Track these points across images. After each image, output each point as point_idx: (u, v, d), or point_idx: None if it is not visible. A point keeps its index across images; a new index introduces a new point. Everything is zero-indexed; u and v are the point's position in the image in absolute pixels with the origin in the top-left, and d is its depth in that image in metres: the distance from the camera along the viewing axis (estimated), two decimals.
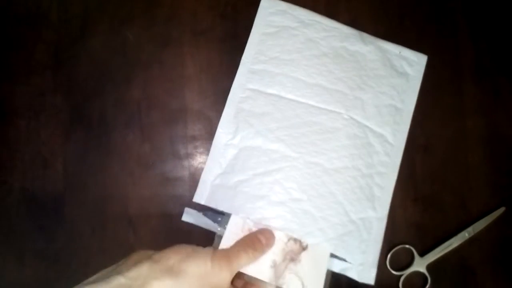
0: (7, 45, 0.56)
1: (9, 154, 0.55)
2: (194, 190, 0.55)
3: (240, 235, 0.48)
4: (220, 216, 0.51)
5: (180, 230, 0.54)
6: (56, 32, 0.56)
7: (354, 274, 0.51)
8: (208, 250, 0.39)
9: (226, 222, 0.50)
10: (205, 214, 0.52)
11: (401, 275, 0.54)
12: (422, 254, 0.54)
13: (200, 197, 0.53)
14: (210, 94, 0.56)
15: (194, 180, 0.55)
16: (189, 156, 0.55)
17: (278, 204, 0.51)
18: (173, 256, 0.37)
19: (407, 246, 0.54)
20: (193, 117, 0.56)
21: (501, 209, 0.55)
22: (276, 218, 0.50)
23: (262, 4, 0.56)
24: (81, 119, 0.55)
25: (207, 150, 0.55)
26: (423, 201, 0.55)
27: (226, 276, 0.38)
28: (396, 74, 0.55)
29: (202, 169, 0.55)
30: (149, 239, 0.54)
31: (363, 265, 0.52)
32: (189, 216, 0.52)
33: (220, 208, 0.51)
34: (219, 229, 0.51)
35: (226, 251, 0.41)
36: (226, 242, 0.47)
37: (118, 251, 0.54)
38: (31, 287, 0.54)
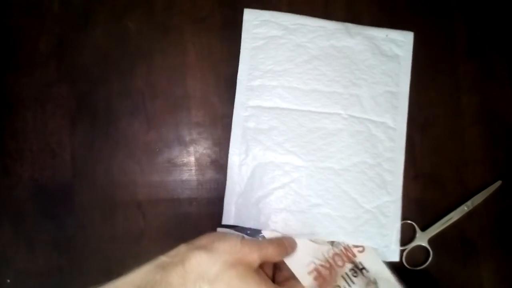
0: (11, 37, 0.56)
1: (17, 145, 0.55)
2: (200, 175, 0.56)
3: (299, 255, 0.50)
4: (249, 229, 0.54)
5: (189, 214, 0.56)
6: (59, 23, 0.56)
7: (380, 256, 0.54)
8: (239, 234, 0.43)
9: (256, 233, 0.53)
10: (236, 230, 0.54)
11: (404, 250, 0.56)
12: (423, 228, 0.56)
13: (227, 219, 0.54)
14: (212, 80, 0.57)
15: (200, 165, 0.56)
16: (194, 142, 0.56)
17: (299, 213, 0.54)
18: (205, 239, 0.41)
19: (409, 221, 0.56)
20: (196, 103, 0.57)
21: (498, 183, 0.57)
22: (300, 226, 0.53)
23: (245, 17, 0.56)
24: (86, 109, 0.56)
25: (211, 136, 0.56)
26: (423, 178, 0.57)
27: (255, 258, 0.41)
28: (386, 60, 0.56)
29: (207, 154, 0.56)
30: (159, 224, 0.55)
31: (387, 246, 0.55)
32: None
33: (247, 225, 0.54)
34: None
35: (256, 240, 0.44)
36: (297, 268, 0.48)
37: (128, 237, 0.55)
38: (43, 275, 0.55)
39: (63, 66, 0.56)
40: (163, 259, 0.39)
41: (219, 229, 0.54)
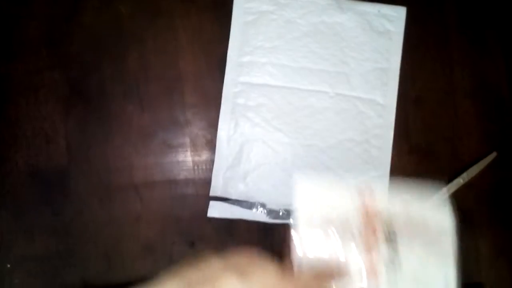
0: (1, 25, 0.55)
1: (12, 131, 0.55)
2: (196, 156, 0.56)
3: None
4: (245, 202, 0.55)
5: (186, 195, 0.56)
6: (49, 8, 0.55)
7: None
8: (276, 264, 0.36)
9: (252, 206, 0.55)
10: (231, 203, 0.55)
11: None
12: None
13: (215, 190, 0.55)
14: (203, 61, 0.57)
15: (195, 146, 0.56)
16: (188, 123, 0.56)
17: (284, 188, 0.55)
18: (241, 259, 0.36)
19: None
20: (189, 84, 0.57)
21: (493, 154, 0.57)
22: (284, 200, 0.55)
23: None
24: (80, 94, 0.56)
25: (206, 116, 0.56)
26: (418, 152, 0.57)
27: None
28: (377, 36, 0.56)
29: (202, 135, 0.56)
30: (156, 206, 0.55)
31: None
32: (215, 210, 0.55)
33: (234, 197, 0.55)
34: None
35: (295, 274, 0.38)
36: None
37: (126, 220, 0.55)
38: (43, 261, 0.55)
39: (54, 52, 0.56)
40: (192, 272, 0.34)
41: (211, 206, 0.55)
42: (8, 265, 0.54)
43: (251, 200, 0.55)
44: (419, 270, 0.39)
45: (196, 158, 0.56)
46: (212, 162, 0.56)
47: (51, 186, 0.55)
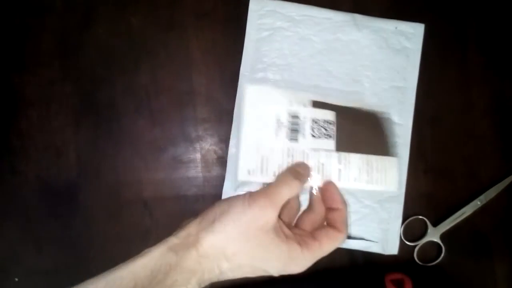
0: (13, 36, 0.55)
1: (22, 144, 0.55)
2: (206, 171, 0.56)
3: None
4: None
5: (195, 211, 0.54)
6: (61, 21, 0.55)
7: (379, 249, 0.54)
8: (245, 195, 0.37)
9: None
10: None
11: (415, 246, 0.55)
12: (435, 224, 0.55)
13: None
14: (216, 76, 0.56)
15: (205, 162, 0.55)
16: (199, 138, 0.56)
17: None
18: (212, 213, 0.37)
19: (420, 217, 0.55)
20: (201, 99, 0.56)
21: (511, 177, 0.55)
22: None
23: (251, 7, 0.55)
24: (91, 107, 0.55)
25: (217, 132, 0.56)
26: (434, 172, 0.56)
27: (270, 214, 0.36)
28: (394, 54, 0.55)
29: (213, 150, 0.56)
30: (165, 222, 0.55)
31: (386, 240, 0.54)
32: None
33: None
34: None
35: (264, 189, 0.37)
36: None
37: (135, 235, 0.55)
38: (50, 274, 0.55)
39: (66, 64, 0.55)
40: (174, 241, 0.35)
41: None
42: (16, 279, 0.54)
43: None
44: (364, 169, 0.44)
45: (207, 174, 0.55)
46: (222, 178, 0.55)
47: (61, 199, 0.55)
